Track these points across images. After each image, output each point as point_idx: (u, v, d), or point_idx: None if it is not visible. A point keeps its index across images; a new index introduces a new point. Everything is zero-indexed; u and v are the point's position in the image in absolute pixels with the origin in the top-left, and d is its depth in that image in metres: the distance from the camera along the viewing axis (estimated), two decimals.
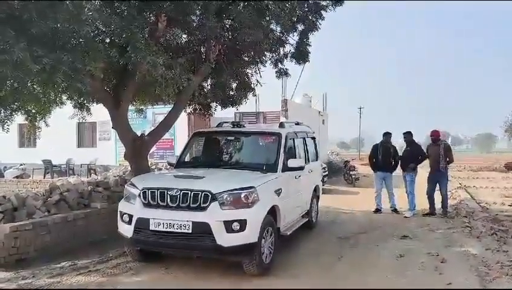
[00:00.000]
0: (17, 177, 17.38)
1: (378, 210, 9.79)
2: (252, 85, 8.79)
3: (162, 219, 4.88)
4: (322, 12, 8.39)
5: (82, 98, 7.69)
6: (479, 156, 61.75)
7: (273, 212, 5.38)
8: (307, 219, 7.36)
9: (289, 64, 8.91)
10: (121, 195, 6.06)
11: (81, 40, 5.29)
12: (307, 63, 9.04)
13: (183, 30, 6.67)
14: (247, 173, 5.73)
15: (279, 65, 8.76)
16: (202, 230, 4.76)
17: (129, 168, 9.39)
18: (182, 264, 5.49)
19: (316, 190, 8.03)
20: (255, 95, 9.57)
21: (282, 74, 8.92)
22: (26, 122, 7.32)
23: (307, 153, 7.63)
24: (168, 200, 4.96)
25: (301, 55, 8.67)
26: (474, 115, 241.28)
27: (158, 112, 15.18)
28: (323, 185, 10.30)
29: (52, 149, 18.04)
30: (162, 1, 6.02)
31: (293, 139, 6.87)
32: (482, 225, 7.84)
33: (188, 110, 9.45)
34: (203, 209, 4.84)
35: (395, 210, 9.75)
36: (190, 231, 4.77)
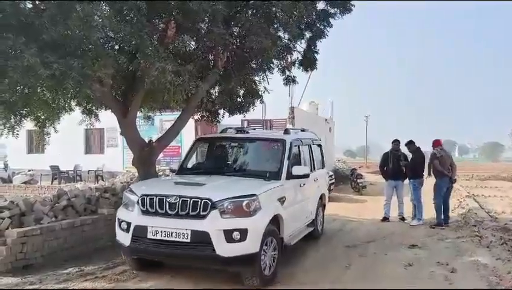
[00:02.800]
0: (25, 182, 17.52)
1: (386, 218, 9.72)
2: (260, 92, 8.79)
3: (160, 227, 4.74)
4: (330, 19, 8.40)
5: (91, 104, 7.76)
6: (487, 165, 61.12)
7: (276, 221, 5.22)
8: (313, 228, 7.19)
9: (296, 72, 8.90)
10: None
11: (91, 46, 5.33)
12: (315, 70, 9.05)
13: (192, 37, 6.72)
14: (249, 181, 5.57)
15: (287, 72, 8.76)
16: (201, 239, 4.61)
17: (136, 174, 9.39)
18: (189, 271, 5.42)
19: (321, 198, 7.83)
20: (263, 102, 9.56)
21: (290, 81, 8.91)
22: (36, 128, 7.39)
23: (313, 160, 7.46)
24: (167, 207, 4.80)
25: (309, 62, 8.67)
26: (481, 124, 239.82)
27: (165, 119, 15.26)
28: (329, 193, 10.23)
29: (60, 155, 18.18)
30: (170, 2, 6.05)
31: (298, 146, 6.72)
32: (492, 235, 7.73)
33: (196, 117, 9.46)
34: (203, 217, 4.67)
35: (402, 218, 9.68)
36: (189, 240, 4.63)
